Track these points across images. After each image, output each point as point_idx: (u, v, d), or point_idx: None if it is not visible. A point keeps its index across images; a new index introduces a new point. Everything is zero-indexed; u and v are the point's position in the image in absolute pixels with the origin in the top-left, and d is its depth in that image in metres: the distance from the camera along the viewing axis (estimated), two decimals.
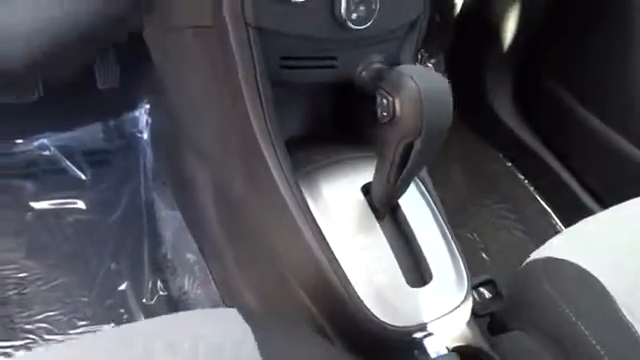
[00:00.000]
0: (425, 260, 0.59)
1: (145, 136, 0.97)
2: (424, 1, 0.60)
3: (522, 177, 1.20)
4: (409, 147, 0.51)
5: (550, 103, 1.14)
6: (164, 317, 0.49)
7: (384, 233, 0.59)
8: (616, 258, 0.61)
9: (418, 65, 0.57)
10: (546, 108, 1.16)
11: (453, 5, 1.16)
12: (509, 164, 1.22)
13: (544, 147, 1.16)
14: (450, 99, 0.50)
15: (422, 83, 0.48)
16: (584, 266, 0.59)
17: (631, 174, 0.99)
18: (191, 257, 0.87)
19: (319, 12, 0.55)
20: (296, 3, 0.52)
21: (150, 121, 0.96)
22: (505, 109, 1.20)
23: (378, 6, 0.55)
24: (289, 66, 0.59)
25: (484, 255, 1.06)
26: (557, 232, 1.11)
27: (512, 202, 1.16)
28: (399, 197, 0.58)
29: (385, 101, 0.50)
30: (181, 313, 0.49)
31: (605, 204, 1.04)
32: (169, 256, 0.90)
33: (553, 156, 1.14)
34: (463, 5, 1.15)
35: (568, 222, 1.10)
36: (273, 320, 0.53)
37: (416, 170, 0.54)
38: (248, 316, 0.48)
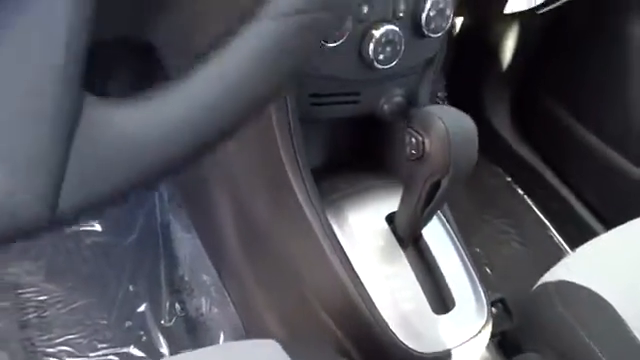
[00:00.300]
0: (447, 287, 0.62)
1: None
2: (442, 41, 0.63)
3: (522, 192, 1.24)
4: (436, 184, 0.54)
5: (548, 120, 1.18)
6: (204, 350, 0.51)
7: (408, 262, 0.62)
8: (626, 281, 0.64)
9: (445, 105, 0.60)
10: (544, 125, 1.19)
11: (453, 24, 1.19)
12: (509, 179, 1.25)
13: (543, 163, 1.19)
14: (476, 139, 0.53)
15: (450, 124, 0.51)
16: (596, 290, 0.63)
17: (630, 191, 1.03)
18: (207, 278, 0.89)
19: (348, 54, 0.57)
20: (328, 47, 0.55)
21: None
22: (504, 126, 1.24)
23: (403, 47, 0.58)
24: (317, 103, 0.61)
25: (488, 270, 1.09)
26: (557, 246, 1.15)
27: (512, 217, 1.19)
28: (423, 228, 0.61)
29: (414, 140, 0.53)
30: (222, 345, 0.52)
31: (604, 220, 1.08)
32: (186, 278, 0.91)
33: (552, 172, 1.17)
34: (462, 24, 1.18)
35: (567, 237, 1.15)
36: (310, 350, 0.55)
37: (441, 204, 0.57)
38: (286, 346, 0.51)
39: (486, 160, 1.28)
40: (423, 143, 0.52)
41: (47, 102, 0.23)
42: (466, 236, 1.12)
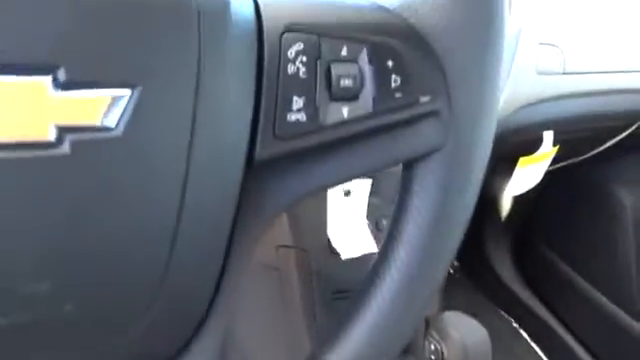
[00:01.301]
0: None
1: None
2: None
3: (527, 337, 1.27)
4: None
5: (549, 270, 1.24)
6: None
7: None
8: None
9: (461, 314, 0.66)
10: (545, 274, 1.25)
11: None
12: (514, 324, 1.29)
13: (547, 310, 1.24)
14: (489, 346, 0.58)
15: (466, 334, 0.57)
16: None
17: (632, 345, 1.06)
18: None
19: (366, 261, 0.64)
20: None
21: None
22: (507, 273, 1.30)
23: None
24: (340, 297, 0.68)
25: None
26: None
27: None
28: None
29: (433, 347, 0.59)
30: None
31: None
32: None
33: (556, 319, 1.22)
34: None
35: None
36: None
37: None
38: None
39: (492, 304, 1.33)
40: (442, 350, 0.58)
41: None
42: None
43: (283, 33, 0.24)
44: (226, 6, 0.23)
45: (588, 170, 1.12)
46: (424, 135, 0.27)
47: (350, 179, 0.28)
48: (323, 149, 0.26)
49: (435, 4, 0.26)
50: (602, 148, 1.06)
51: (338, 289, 0.68)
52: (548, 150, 0.89)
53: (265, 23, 0.24)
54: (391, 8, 0.27)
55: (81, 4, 0.19)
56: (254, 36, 0.24)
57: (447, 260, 0.30)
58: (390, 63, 0.26)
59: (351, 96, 0.25)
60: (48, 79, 0.19)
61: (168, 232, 0.23)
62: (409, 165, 0.28)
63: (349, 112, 0.25)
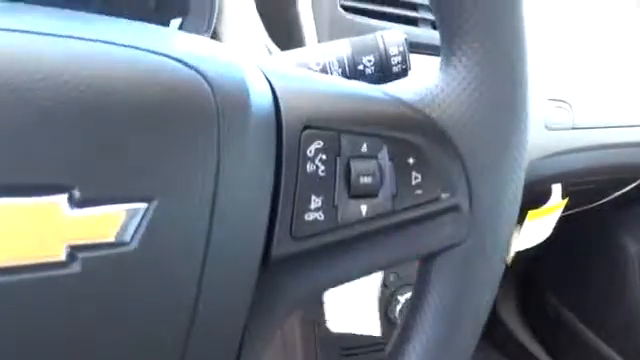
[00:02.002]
0: None
1: None
2: None
3: None
4: None
5: (555, 321, 1.22)
6: None
7: None
8: None
9: None
10: (551, 323, 1.23)
11: None
12: None
13: None
14: None
15: None
16: None
17: None
18: None
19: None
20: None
21: None
22: (515, 324, 1.28)
23: None
24: (347, 354, 0.66)
25: None
26: None
27: None
28: None
29: None
30: None
31: None
32: None
33: None
34: None
35: None
36: None
37: None
38: None
39: (501, 355, 1.30)
40: None
41: None
42: None
43: (303, 130, 0.24)
44: (247, 105, 0.22)
45: (594, 219, 1.12)
46: (444, 230, 0.27)
47: (367, 274, 0.27)
48: (339, 246, 0.25)
49: (457, 99, 0.26)
50: (609, 198, 1.06)
51: (344, 347, 0.66)
52: (557, 203, 0.89)
53: (284, 119, 0.24)
54: (411, 102, 0.26)
55: (95, 121, 0.19)
56: (273, 133, 0.23)
57: (466, 355, 0.29)
58: (411, 160, 0.25)
59: (370, 193, 0.25)
60: (63, 198, 0.18)
61: (180, 338, 0.22)
62: (428, 259, 0.28)
63: (368, 210, 0.25)
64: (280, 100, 0.24)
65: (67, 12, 0.24)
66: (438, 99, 0.26)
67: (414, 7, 0.62)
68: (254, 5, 0.56)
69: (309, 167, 0.24)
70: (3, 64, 0.18)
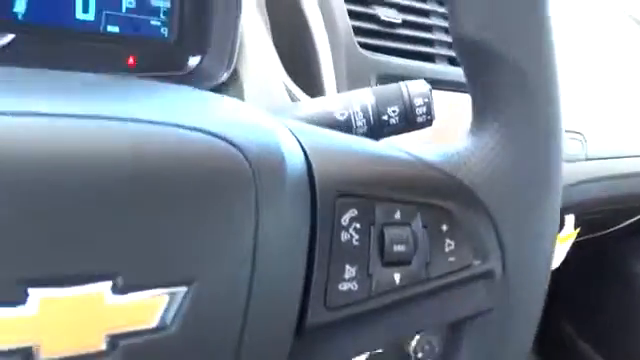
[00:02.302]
0: None
1: None
2: None
3: None
4: None
5: (568, 347, 1.21)
6: None
7: None
8: None
9: None
10: (565, 351, 1.22)
11: None
12: None
13: None
14: None
15: None
16: None
17: None
18: None
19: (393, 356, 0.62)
20: None
21: None
22: (530, 353, 1.26)
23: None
24: None
25: None
26: None
27: None
28: None
29: None
30: None
31: None
32: None
33: None
34: None
35: None
36: None
37: None
38: None
39: None
40: None
41: None
42: None
43: (337, 198, 0.24)
44: (282, 172, 0.22)
45: (609, 247, 1.11)
46: (476, 297, 0.26)
47: (397, 340, 0.27)
48: (371, 314, 0.25)
49: (490, 163, 0.26)
50: (622, 225, 1.05)
51: None
52: (569, 233, 0.88)
53: (318, 186, 0.23)
54: (442, 166, 0.26)
55: (137, 205, 0.19)
56: (307, 201, 0.23)
57: None
58: (444, 227, 0.25)
59: (404, 261, 0.25)
60: (107, 286, 0.18)
61: None
62: (458, 324, 0.27)
63: (401, 278, 0.25)
64: (313, 165, 0.24)
65: (94, 82, 0.24)
66: (470, 163, 0.26)
67: (431, 43, 0.63)
68: (272, 43, 0.56)
69: (343, 236, 0.24)
70: (19, 151, 0.18)
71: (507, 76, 0.26)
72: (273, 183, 0.22)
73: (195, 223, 0.20)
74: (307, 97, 0.57)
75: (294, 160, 0.23)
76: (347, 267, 0.24)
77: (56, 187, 0.18)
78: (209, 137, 0.21)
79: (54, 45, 0.45)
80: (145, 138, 0.20)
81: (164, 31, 0.50)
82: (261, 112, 0.25)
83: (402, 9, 0.61)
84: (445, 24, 0.64)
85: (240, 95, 0.51)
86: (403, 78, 0.60)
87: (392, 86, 0.37)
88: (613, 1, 0.94)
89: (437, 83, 0.61)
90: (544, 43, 0.26)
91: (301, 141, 0.25)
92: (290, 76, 0.56)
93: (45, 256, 0.17)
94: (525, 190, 0.26)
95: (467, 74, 0.27)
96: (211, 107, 0.24)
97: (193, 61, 0.53)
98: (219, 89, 0.50)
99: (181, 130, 0.20)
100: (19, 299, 0.17)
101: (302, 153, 0.24)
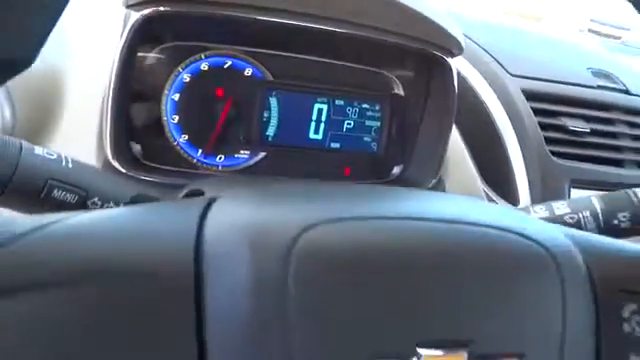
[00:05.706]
0: None
1: None
2: None
3: None
4: None
5: None
6: None
7: None
8: None
9: None
10: None
11: None
12: None
13: None
14: None
15: None
16: None
17: None
18: None
19: None
20: None
21: None
22: None
23: None
24: None
25: None
26: None
27: None
28: None
29: None
30: None
31: None
32: None
33: None
34: None
35: None
36: None
37: None
38: None
39: None
40: None
41: None
42: None
43: (617, 292, 0.27)
44: (580, 269, 0.26)
45: None
46: None
47: None
48: None
49: None
50: None
51: None
52: None
53: (599, 282, 0.27)
54: None
55: (488, 290, 0.24)
56: (590, 295, 0.27)
57: None
58: None
59: None
60: (464, 353, 0.23)
61: None
62: None
63: None
64: (591, 265, 0.28)
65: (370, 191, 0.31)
66: None
67: (619, 149, 0.65)
68: (467, 153, 0.61)
69: (626, 327, 0.27)
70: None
71: None
72: (573, 275, 0.26)
73: (523, 306, 0.24)
74: (505, 203, 0.61)
75: (578, 256, 0.27)
76: (632, 356, 0.26)
77: (441, 275, 0.24)
78: (516, 236, 0.26)
79: (292, 160, 0.55)
80: (485, 238, 0.26)
81: (374, 146, 0.57)
82: (541, 220, 0.30)
83: (589, 119, 0.64)
84: (630, 131, 0.67)
85: None
86: (595, 183, 0.63)
87: (619, 193, 0.41)
88: None
89: (627, 187, 0.62)
90: None
91: (576, 241, 0.29)
92: (487, 184, 0.61)
93: (433, 325, 0.23)
94: None
95: None
96: (503, 212, 0.29)
97: (397, 170, 0.59)
98: None
99: (498, 232, 0.26)
100: (413, 356, 0.23)
101: (578, 250, 0.28)
